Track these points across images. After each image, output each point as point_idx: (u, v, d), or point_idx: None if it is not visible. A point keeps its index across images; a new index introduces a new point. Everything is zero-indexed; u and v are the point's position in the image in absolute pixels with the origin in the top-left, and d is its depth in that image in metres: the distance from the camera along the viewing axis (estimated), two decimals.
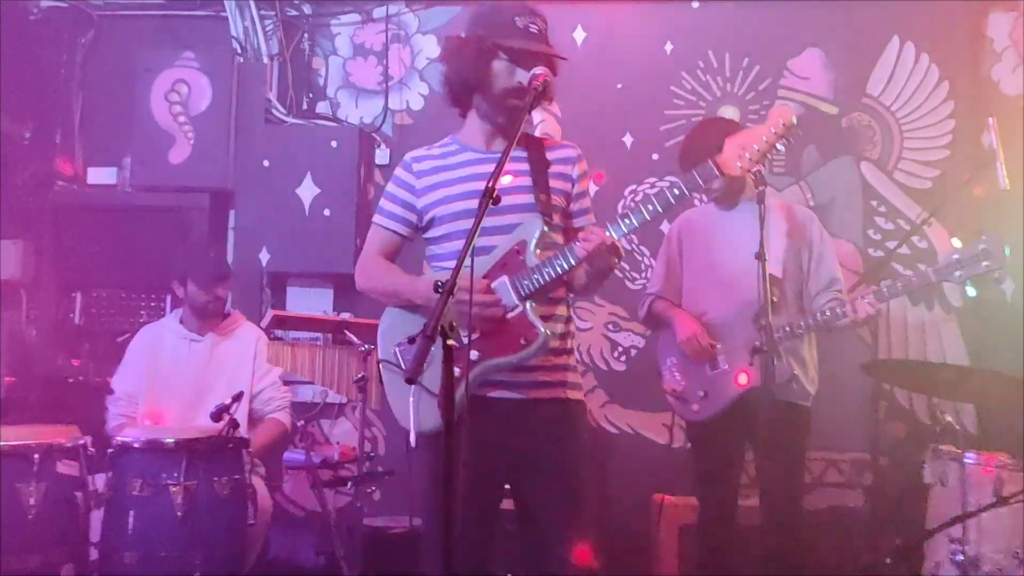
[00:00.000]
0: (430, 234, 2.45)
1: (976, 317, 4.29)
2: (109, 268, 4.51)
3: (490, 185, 2.02)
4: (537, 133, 3.40)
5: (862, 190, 4.41)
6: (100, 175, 4.80)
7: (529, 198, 2.35)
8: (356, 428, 4.52)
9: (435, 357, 2.25)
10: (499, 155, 2.32)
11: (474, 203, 2.11)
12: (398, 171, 2.49)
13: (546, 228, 2.33)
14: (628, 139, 4.56)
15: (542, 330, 2.26)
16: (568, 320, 2.46)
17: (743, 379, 3.21)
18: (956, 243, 4.03)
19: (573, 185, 2.46)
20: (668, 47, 4.58)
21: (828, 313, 3.18)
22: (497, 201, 2.04)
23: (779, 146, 2.25)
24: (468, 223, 2.26)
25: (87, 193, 4.74)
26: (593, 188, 3.58)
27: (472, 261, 2.07)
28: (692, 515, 3.58)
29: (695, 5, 4.58)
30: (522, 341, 2.26)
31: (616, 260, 2.28)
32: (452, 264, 2.27)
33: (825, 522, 4.09)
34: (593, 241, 2.21)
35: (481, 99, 2.39)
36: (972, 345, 4.29)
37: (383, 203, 2.51)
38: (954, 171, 4.28)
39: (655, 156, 4.53)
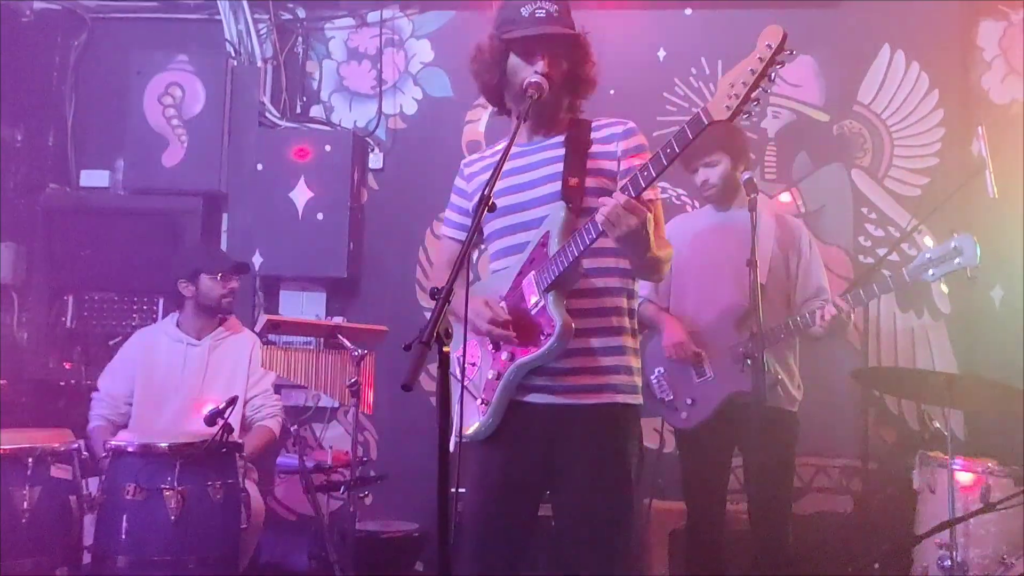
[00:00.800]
0: (487, 231, 2.43)
1: (965, 324, 4.32)
2: (101, 271, 4.51)
3: (486, 192, 2.01)
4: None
5: (853, 197, 4.44)
6: (92, 178, 4.79)
7: (556, 186, 2.28)
8: (348, 432, 4.55)
9: (481, 358, 2.31)
10: (540, 142, 2.35)
11: (512, 197, 2.14)
12: (456, 180, 2.52)
13: (570, 215, 2.23)
14: None
15: (559, 321, 2.17)
16: (621, 312, 2.31)
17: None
18: (928, 242, 4.08)
19: (618, 162, 2.31)
20: (661, 53, 4.61)
21: (801, 318, 3.18)
22: (492, 209, 2.03)
23: (771, 73, 1.96)
24: (510, 219, 2.32)
25: (79, 196, 4.73)
26: None
27: (468, 272, 2.06)
28: (681, 519, 3.60)
29: (688, 12, 4.61)
30: (542, 336, 2.19)
31: (636, 221, 2.05)
32: (500, 263, 2.37)
33: (814, 527, 4.13)
34: (608, 205, 2.07)
35: (508, 97, 2.38)
36: (961, 352, 4.32)
37: (447, 214, 2.53)
38: (944, 179, 4.32)
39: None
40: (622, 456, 2.27)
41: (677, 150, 2.03)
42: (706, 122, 2.02)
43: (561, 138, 2.36)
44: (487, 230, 2.43)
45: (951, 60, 4.42)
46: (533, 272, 2.26)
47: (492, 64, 2.34)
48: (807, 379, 3.49)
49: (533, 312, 2.23)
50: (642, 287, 3.60)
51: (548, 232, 2.26)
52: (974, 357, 4.27)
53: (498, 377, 2.29)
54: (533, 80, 2.25)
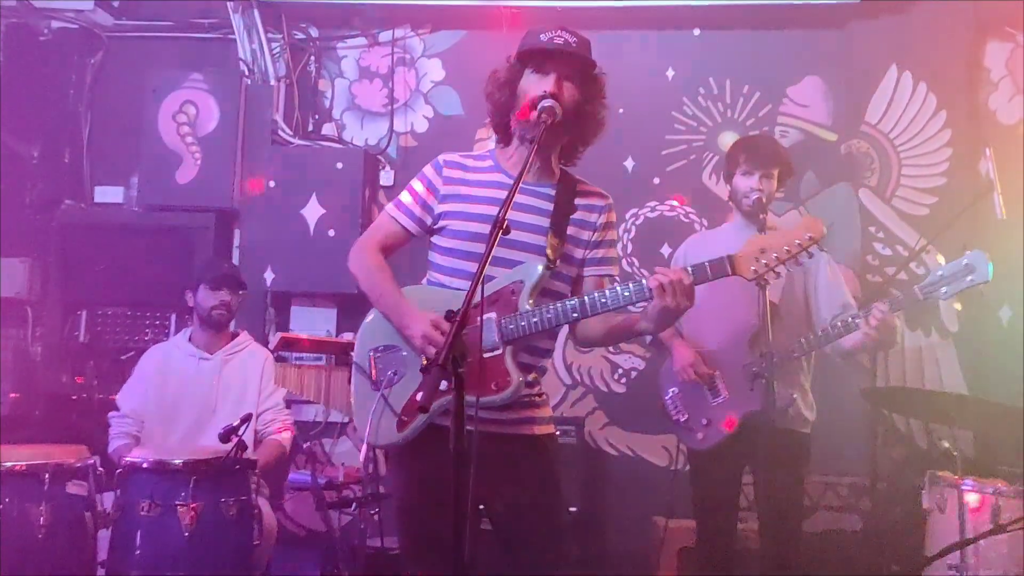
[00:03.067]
0: (438, 240, 2.41)
1: (972, 343, 4.34)
2: (115, 286, 4.55)
3: (501, 216, 2.03)
4: None
5: (860, 216, 4.47)
6: (107, 194, 4.84)
7: (541, 239, 2.31)
8: (356, 448, 4.58)
9: (408, 374, 2.29)
10: (531, 184, 2.35)
11: (487, 227, 2.06)
12: (427, 169, 2.44)
13: (547, 273, 2.27)
14: (630, 163, 4.62)
15: (515, 379, 2.20)
16: (544, 369, 2.43)
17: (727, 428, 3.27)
18: (940, 260, 4.09)
19: (593, 234, 2.40)
20: (670, 73, 4.65)
21: (840, 324, 3.15)
22: (507, 231, 2.05)
23: (801, 258, 2.19)
24: (474, 245, 2.29)
25: (94, 212, 4.78)
26: None
27: (483, 290, 2.05)
28: (691, 537, 3.60)
29: (696, 33, 4.65)
30: (493, 386, 2.20)
31: (687, 305, 2.20)
32: (451, 280, 2.35)
33: (823, 545, 4.13)
34: (674, 274, 2.16)
35: (515, 118, 2.36)
36: (968, 370, 4.33)
37: (403, 195, 2.44)
38: (951, 198, 4.34)
39: (656, 180, 4.59)
40: (545, 477, 2.37)
41: (711, 277, 2.24)
42: (729, 273, 2.22)
43: (551, 191, 2.38)
44: (445, 238, 2.38)
45: (958, 81, 4.46)
46: (495, 314, 2.25)
47: (505, 83, 2.36)
48: (816, 397, 3.50)
49: (487, 356, 2.22)
50: None
51: (522, 282, 2.27)
52: (981, 376, 4.29)
53: None
54: (547, 105, 2.27)
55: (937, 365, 4.36)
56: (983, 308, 4.28)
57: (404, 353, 2.34)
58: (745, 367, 3.24)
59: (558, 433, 2.55)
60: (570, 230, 2.36)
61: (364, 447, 2.30)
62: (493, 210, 2.15)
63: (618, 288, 2.23)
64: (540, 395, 2.44)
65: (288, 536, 4.34)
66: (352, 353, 2.46)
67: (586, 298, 2.24)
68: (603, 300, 2.22)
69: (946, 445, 3.63)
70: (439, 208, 2.39)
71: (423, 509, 2.25)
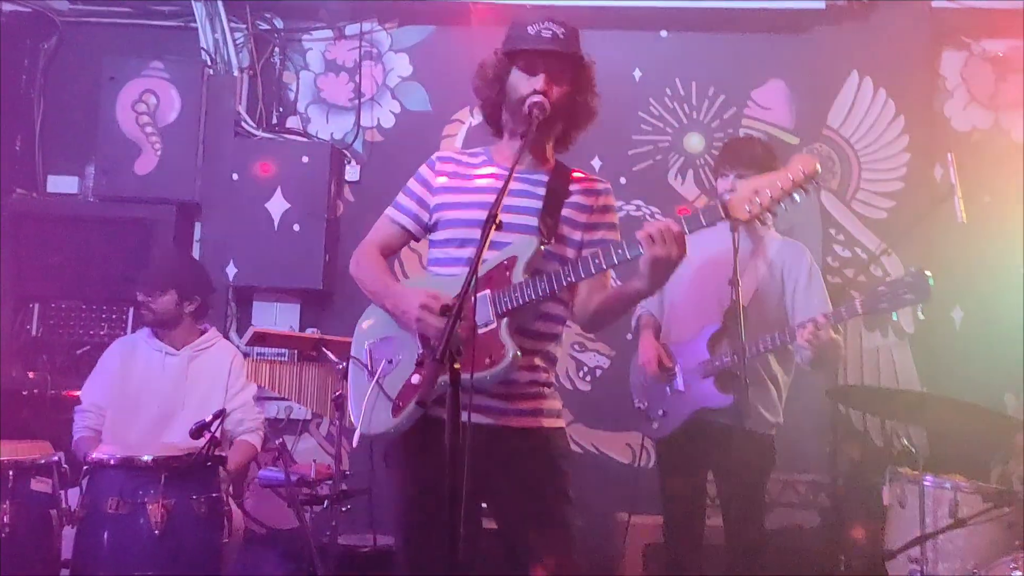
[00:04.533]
0: (434, 236, 2.42)
1: (927, 343, 4.46)
2: (69, 279, 4.42)
3: (493, 212, 2.03)
4: None
5: (821, 218, 4.56)
6: (60, 184, 4.71)
7: (533, 220, 2.30)
8: (320, 445, 4.53)
9: (403, 361, 2.28)
10: (525, 172, 2.35)
11: (481, 214, 2.06)
12: (422, 168, 2.45)
13: (541, 249, 2.26)
14: (596, 163, 4.64)
15: (510, 350, 2.16)
16: (556, 345, 2.40)
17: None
18: (897, 264, 4.21)
19: (590, 215, 2.39)
20: (637, 74, 4.69)
21: (771, 337, 3.18)
22: (500, 227, 2.05)
23: (796, 195, 2.13)
24: (469, 232, 2.28)
25: (46, 202, 4.64)
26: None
27: (475, 289, 2.03)
28: (657, 534, 3.65)
29: (664, 34, 4.70)
30: (488, 360, 2.16)
31: (678, 253, 2.11)
32: (446, 269, 2.34)
33: (782, 542, 4.21)
34: (660, 223, 2.11)
35: (506, 113, 2.38)
36: (923, 369, 4.45)
37: (400, 197, 2.46)
38: (908, 202, 4.46)
39: (623, 180, 4.62)
40: (553, 472, 2.32)
41: (687, 232, 2.13)
42: (723, 216, 2.14)
43: (544, 178, 2.38)
44: (440, 231, 2.38)
45: (916, 88, 4.58)
46: (490, 291, 2.24)
47: (493, 79, 2.36)
48: None
49: (481, 331, 2.20)
50: (650, 300, 3.66)
51: (515, 257, 2.26)
52: (935, 375, 4.41)
53: (420, 384, 2.23)
54: (536, 100, 2.28)
55: (893, 364, 4.48)
56: (937, 310, 4.41)
57: (399, 341, 2.33)
58: (702, 364, 3.30)
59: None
60: (565, 211, 2.35)
61: (357, 434, 2.26)
62: (487, 199, 2.15)
63: (610, 248, 2.21)
64: (549, 385, 2.40)
65: (249, 534, 4.26)
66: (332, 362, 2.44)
67: (578, 261, 2.23)
68: (596, 261, 2.20)
69: (905, 442, 3.73)
70: (434, 201, 2.40)
71: (421, 504, 2.23)
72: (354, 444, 2.31)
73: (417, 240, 2.50)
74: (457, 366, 1.82)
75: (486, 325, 2.21)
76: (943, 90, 4.62)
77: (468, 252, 2.28)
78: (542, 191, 2.36)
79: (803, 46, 4.60)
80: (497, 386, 2.23)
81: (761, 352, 3.24)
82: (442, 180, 2.41)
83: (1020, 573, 2.90)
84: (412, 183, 2.46)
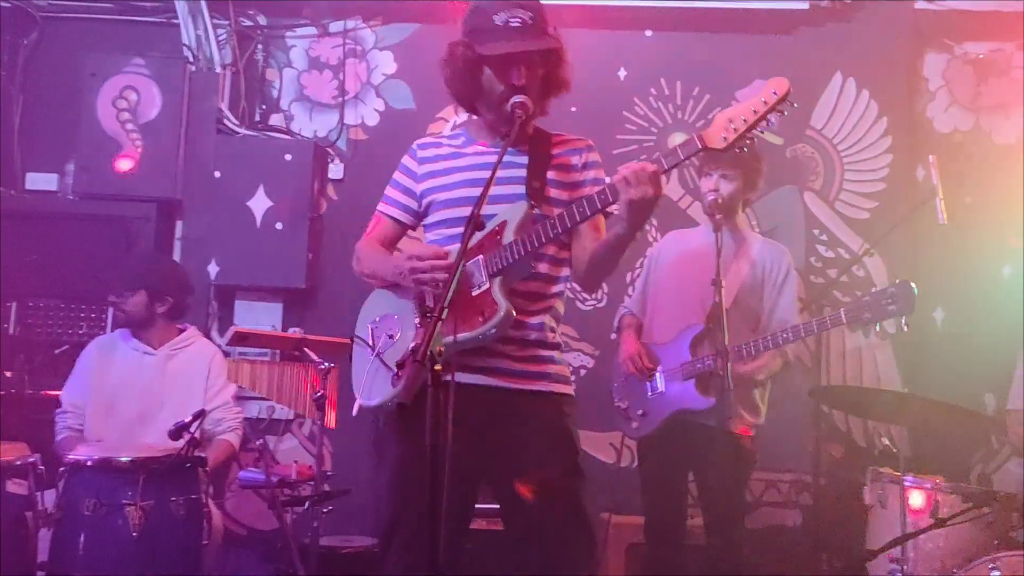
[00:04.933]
0: (427, 220, 2.43)
1: (908, 343, 4.47)
2: (48, 278, 4.36)
3: (475, 212, 2.02)
4: None
5: (805, 219, 4.57)
6: (39, 181, 4.65)
7: (520, 188, 2.29)
8: (302, 445, 4.50)
9: (403, 334, 2.28)
10: (508, 155, 2.28)
11: (473, 191, 2.04)
12: (404, 158, 2.47)
13: (531, 211, 2.24)
14: None
15: (502, 306, 2.16)
16: (554, 310, 2.37)
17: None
18: (878, 267, 4.24)
19: (577, 174, 2.37)
20: (621, 73, 4.68)
21: (745, 347, 3.21)
22: (480, 227, 2.05)
23: (771, 118, 2.07)
24: (463, 210, 2.21)
25: (25, 199, 4.58)
26: None
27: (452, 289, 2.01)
28: (639, 534, 3.64)
29: (648, 34, 4.69)
30: (480, 318, 2.17)
31: (653, 192, 2.07)
32: (445, 248, 2.30)
33: (764, 541, 4.22)
34: (634, 165, 2.08)
35: (483, 106, 2.37)
36: (904, 370, 4.47)
37: (388, 190, 2.48)
38: (891, 203, 4.47)
39: (607, 179, 4.60)
40: (569, 440, 2.29)
41: (664, 167, 2.10)
42: (699, 147, 2.10)
43: (526, 146, 2.37)
44: (433, 214, 2.39)
45: (898, 89, 4.59)
46: (482, 256, 2.24)
47: (465, 73, 2.32)
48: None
49: (474, 293, 2.21)
50: (631, 299, 3.66)
51: (505, 222, 2.25)
52: (917, 375, 4.42)
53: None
54: (518, 100, 2.27)
55: (875, 364, 4.49)
56: (919, 310, 4.39)
57: (400, 317, 2.34)
58: (683, 365, 3.30)
59: None
60: (550, 174, 2.34)
61: (357, 405, 2.27)
62: (473, 176, 2.22)
63: (594, 195, 2.20)
64: (557, 347, 2.36)
65: (229, 535, 4.24)
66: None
67: (563, 210, 2.21)
68: (580, 208, 2.19)
69: (886, 442, 3.75)
70: (420, 187, 2.41)
71: (412, 474, 2.16)
72: (354, 413, 2.29)
73: (413, 229, 2.51)
74: (438, 368, 1.81)
75: (479, 287, 2.22)
76: (925, 92, 4.64)
77: (461, 230, 2.21)
78: (524, 159, 2.35)
79: (787, 47, 4.61)
80: (505, 345, 2.22)
81: (744, 357, 3.24)
82: (426, 166, 2.42)
83: (999, 573, 2.92)
84: (397, 174, 2.48)
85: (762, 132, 2.11)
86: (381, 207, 2.49)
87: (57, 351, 4.30)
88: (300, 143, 4.56)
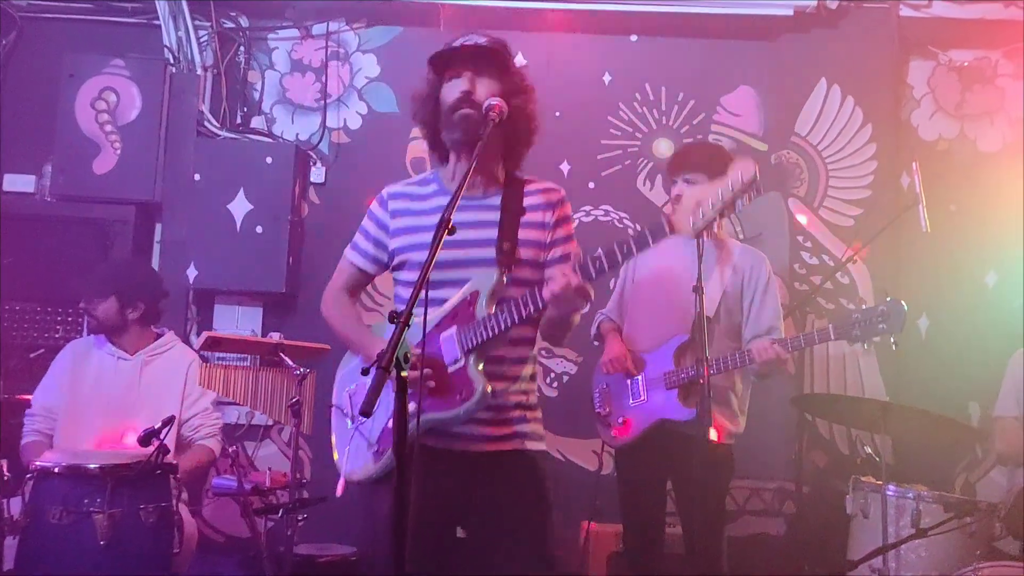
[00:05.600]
0: (398, 275, 2.41)
1: (893, 352, 4.43)
2: (24, 280, 4.30)
3: (446, 216, 1.99)
4: None
5: (789, 225, 4.55)
6: (17, 182, 4.58)
7: (490, 252, 2.28)
8: (281, 451, 4.45)
9: (381, 407, 2.21)
10: (478, 199, 2.33)
11: (445, 253, 2.05)
12: (374, 207, 2.44)
13: (503, 279, 2.24)
14: (565, 167, 4.60)
15: (479, 387, 2.18)
16: (532, 376, 2.40)
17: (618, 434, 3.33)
18: (863, 273, 4.21)
19: (547, 233, 2.36)
20: (606, 78, 4.66)
21: (740, 354, 3.19)
22: (452, 231, 2.01)
23: (739, 203, 2.13)
24: (434, 274, 2.16)
25: (2, 201, 4.50)
26: None
27: (427, 293, 2.01)
28: (620, 542, 3.61)
29: (633, 39, 4.67)
30: (458, 397, 2.19)
31: (583, 303, 2.19)
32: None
33: (749, 550, 4.19)
34: (560, 283, 2.13)
35: (444, 130, 2.35)
36: (888, 378, 4.45)
37: (357, 238, 2.46)
38: (875, 210, 4.46)
39: (591, 185, 4.59)
40: (537, 494, 2.32)
41: (635, 251, 2.16)
42: (668, 232, 2.15)
43: (497, 199, 2.34)
44: (407, 273, 2.37)
45: (883, 96, 4.58)
46: (455, 328, 2.24)
47: (427, 97, 2.35)
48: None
49: (450, 370, 2.22)
50: (608, 305, 3.62)
51: (477, 292, 2.25)
52: (901, 383, 4.41)
53: None
54: (494, 103, 2.25)
55: (860, 373, 4.47)
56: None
57: None
58: (666, 375, 3.27)
59: None
60: (522, 234, 2.32)
61: (341, 482, 2.27)
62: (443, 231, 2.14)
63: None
64: (533, 407, 2.39)
65: (207, 542, 4.19)
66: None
67: (526, 294, 2.21)
68: (543, 292, 2.18)
69: (869, 451, 3.72)
70: (393, 244, 2.39)
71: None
72: (338, 493, 2.29)
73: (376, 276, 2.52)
74: (404, 374, 1.78)
75: (455, 363, 2.23)
76: (910, 99, 4.63)
77: (434, 294, 2.24)
78: (496, 216, 2.32)
79: (772, 53, 4.60)
80: (483, 412, 2.24)
81: (728, 369, 3.21)
82: (398, 220, 2.39)
83: None
84: (367, 223, 2.45)
85: (730, 217, 2.16)
86: (350, 255, 2.47)
87: (33, 355, 4.24)
88: (281, 146, 4.52)
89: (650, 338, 3.39)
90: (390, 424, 2.27)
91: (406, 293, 2.36)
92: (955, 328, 4.43)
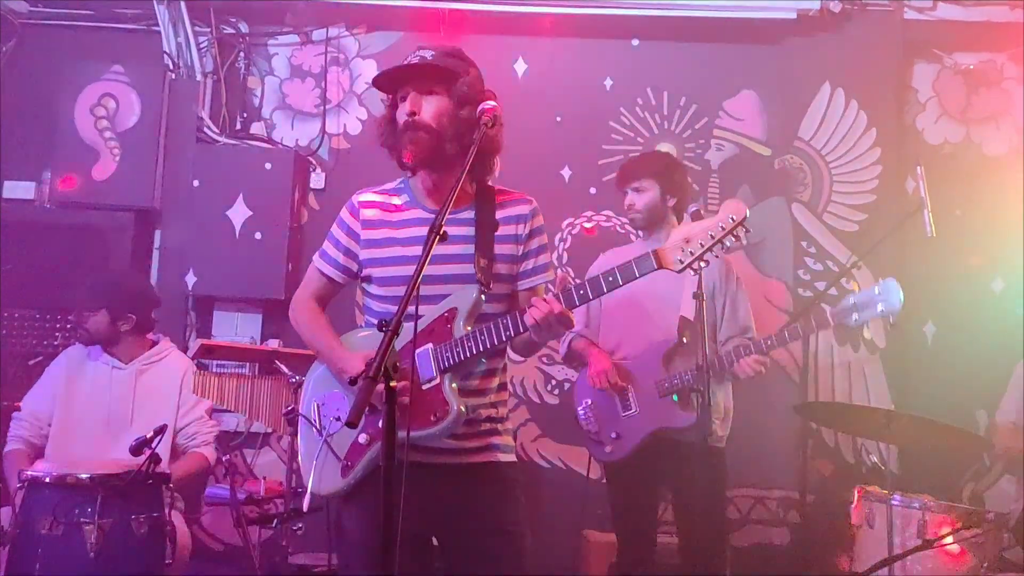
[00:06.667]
0: (367, 287, 2.36)
1: (899, 358, 4.40)
2: (23, 287, 4.29)
3: (438, 222, 1.94)
4: None
5: (793, 231, 4.50)
6: (17, 189, 4.58)
7: (468, 268, 2.24)
8: (280, 458, 4.41)
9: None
10: (451, 214, 2.18)
11: (408, 270, 2.03)
12: (344, 214, 2.37)
13: (482, 297, 2.21)
14: (566, 172, 4.57)
15: (454, 407, 2.15)
16: (502, 386, 2.37)
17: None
18: (867, 277, 4.17)
19: (519, 247, 2.33)
20: (608, 83, 4.62)
21: (726, 356, 3.19)
22: (444, 238, 1.97)
23: (727, 242, 2.11)
24: (401, 290, 2.08)
25: (2, 207, 4.51)
26: None
27: (416, 308, 1.97)
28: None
29: (635, 43, 4.63)
30: (433, 417, 2.16)
31: (564, 330, 2.19)
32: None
33: (751, 559, 4.14)
34: (542, 310, 2.10)
35: (399, 147, 2.29)
36: (894, 385, 4.39)
37: (326, 246, 2.40)
38: (880, 215, 4.41)
39: (592, 190, 4.56)
40: (510, 505, 2.30)
41: (620, 282, 2.14)
42: (655, 267, 2.13)
43: (470, 214, 2.30)
44: (374, 286, 2.33)
45: (887, 100, 4.53)
46: (431, 345, 2.20)
47: (389, 121, 2.32)
48: (744, 411, 3.50)
49: (425, 387, 2.19)
50: (576, 321, 3.57)
51: (455, 309, 2.21)
52: (907, 391, 4.35)
53: (369, 443, 2.22)
54: (488, 106, 2.20)
55: (864, 380, 4.41)
56: (909, 324, 4.36)
57: (346, 397, 2.29)
58: (657, 383, 3.23)
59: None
60: (497, 248, 2.29)
61: (307, 497, 2.22)
62: (417, 250, 2.13)
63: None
64: (502, 420, 2.36)
65: (205, 551, 4.16)
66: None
67: (507, 318, 2.18)
68: (525, 319, 2.15)
69: (874, 460, 3.67)
70: (363, 254, 2.33)
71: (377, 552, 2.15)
72: (304, 508, 2.23)
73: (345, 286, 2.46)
74: (393, 383, 1.74)
75: (429, 381, 2.20)
76: (915, 103, 4.58)
77: (411, 310, 2.18)
78: (471, 231, 2.28)
79: (775, 57, 4.56)
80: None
81: (727, 368, 3.19)
82: (368, 232, 2.33)
83: None
84: (336, 231, 2.38)
85: (716, 256, 2.14)
86: (318, 263, 2.41)
87: (31, 362, 4.23)
88: (281, 152, 4.50)
89: (631, 348, 3.36)
90: (360, 439, 2.24)
91: (375, 304, 2.34)
92: (961, 335, 4.37)
